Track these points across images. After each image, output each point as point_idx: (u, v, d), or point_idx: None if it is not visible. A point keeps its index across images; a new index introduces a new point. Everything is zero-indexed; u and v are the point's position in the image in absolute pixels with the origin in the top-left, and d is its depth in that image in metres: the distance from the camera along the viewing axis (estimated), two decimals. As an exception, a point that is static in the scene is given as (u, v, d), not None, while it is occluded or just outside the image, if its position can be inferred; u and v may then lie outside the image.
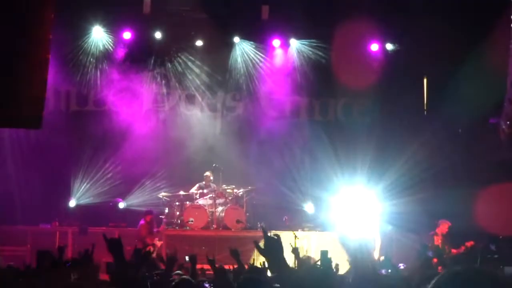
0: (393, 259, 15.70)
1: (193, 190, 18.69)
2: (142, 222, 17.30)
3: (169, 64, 20.57)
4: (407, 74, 20.21)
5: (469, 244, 15.77)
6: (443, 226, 15.99)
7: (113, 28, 20.24)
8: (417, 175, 18.83)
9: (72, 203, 19.61)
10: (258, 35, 20.70)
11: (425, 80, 20.73)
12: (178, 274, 7.71)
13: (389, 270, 8.53)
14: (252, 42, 20.78)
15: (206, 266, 13.76)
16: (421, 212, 17.57)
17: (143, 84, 20.43)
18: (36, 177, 19.09)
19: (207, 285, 6.90)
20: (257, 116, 20.67)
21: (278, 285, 4.99)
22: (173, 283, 5.98)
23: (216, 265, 7.52)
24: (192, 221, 17.68)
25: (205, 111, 20.91)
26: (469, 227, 16.47)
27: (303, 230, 18.01)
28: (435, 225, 16.26)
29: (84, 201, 19.63)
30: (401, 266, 14.21)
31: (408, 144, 18.98)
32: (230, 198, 18.68)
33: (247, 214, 18.52)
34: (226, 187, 18.75)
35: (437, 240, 15.89)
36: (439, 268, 13.83)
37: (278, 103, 20.89)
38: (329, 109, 21.11)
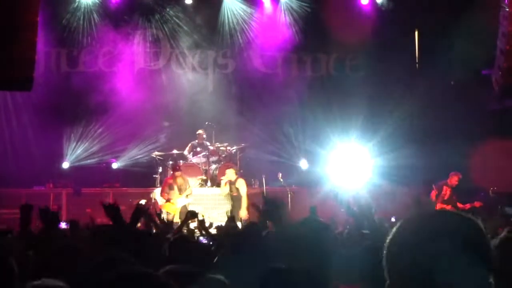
0: (384, 212, 15.86)
1: (187, 150, 18.65)
2: (168, 177, 17.15)
3: (159, 23, 20.38)
4: (398, 27, 20.12)
5: (477, 204, 15.76)
6: (453, 178, 15.91)
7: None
8: (410, 129, 18.86)
9: (65, 164, 19.60)
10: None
11: (416, 33, 20.65)
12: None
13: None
14: (241, -1, 20.62)
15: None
16: (413, 166, 17.62)
17: (133, 44, 20.28)
18: (29, 139, 19.03)
19: (204, 240, 6.94)
20: (248, 72, 20.58)
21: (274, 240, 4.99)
22: (170, 240, 6.00)
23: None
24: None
25: (196, 69, 20.82)
26: (463, 180, 16.55)
27: (296, 186, 18.06)
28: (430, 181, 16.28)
29: (78, 162, 19.63)
30: (393, 219, 14.32)
31: (401, 98, 18.95)
32: (223, 155, 18.65)
33: (241, 171, 18.53)
34: (219, 145, 18.70)
35: (446, 191, 15.87)
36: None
37: (269, 59, 20.82)
38: (321, 64, 21.05)
